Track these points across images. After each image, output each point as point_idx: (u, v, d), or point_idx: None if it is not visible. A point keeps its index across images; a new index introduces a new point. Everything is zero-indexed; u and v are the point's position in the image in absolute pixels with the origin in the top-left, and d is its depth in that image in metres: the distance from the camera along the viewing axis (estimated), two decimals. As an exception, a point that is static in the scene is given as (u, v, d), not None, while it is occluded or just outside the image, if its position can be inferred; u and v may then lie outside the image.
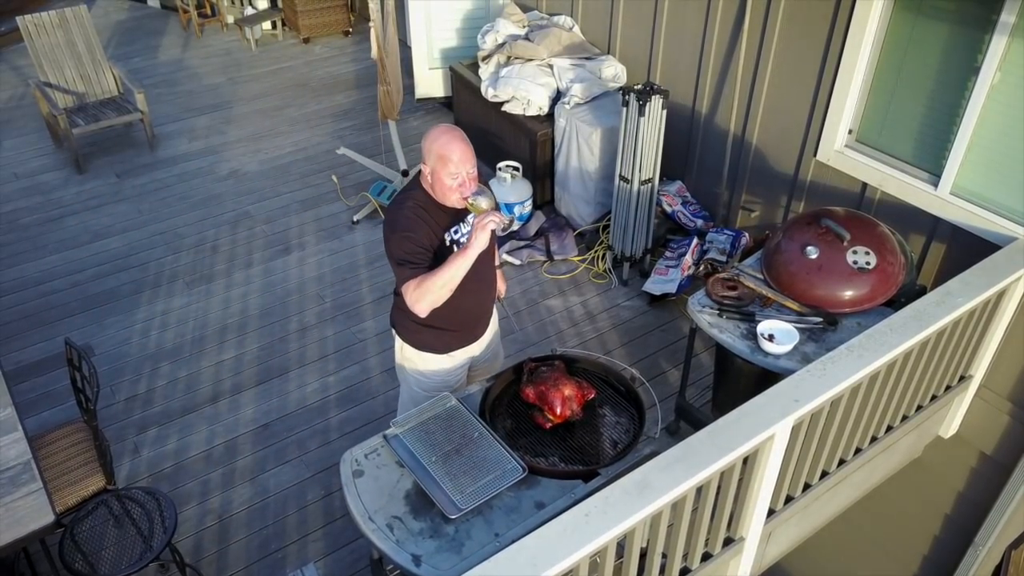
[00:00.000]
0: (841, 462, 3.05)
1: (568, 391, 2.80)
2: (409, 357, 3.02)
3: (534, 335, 4.50)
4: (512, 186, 5.09)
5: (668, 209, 4.89)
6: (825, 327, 3.25)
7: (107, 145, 6.21)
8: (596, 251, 5.04)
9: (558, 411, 2.78)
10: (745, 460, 2.49)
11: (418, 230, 2.65)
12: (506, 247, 5.02)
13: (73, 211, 5.48)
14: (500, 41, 5.47)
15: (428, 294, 2.59)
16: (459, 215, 2.74)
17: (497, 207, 2.67)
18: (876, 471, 3.40)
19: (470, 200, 2.63)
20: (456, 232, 2.75)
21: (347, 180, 5.80)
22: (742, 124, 4.52)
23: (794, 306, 3.32)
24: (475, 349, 3.05)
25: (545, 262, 5.03)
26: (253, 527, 3.51)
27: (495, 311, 3.14)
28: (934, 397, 3.37)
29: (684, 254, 4.59)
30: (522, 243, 5.06)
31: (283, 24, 8.05)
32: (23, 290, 4.80)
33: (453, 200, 2.65)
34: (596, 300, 4.76)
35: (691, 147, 4.93)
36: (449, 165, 2.58)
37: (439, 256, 2.69)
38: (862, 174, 3.97)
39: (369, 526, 2.48)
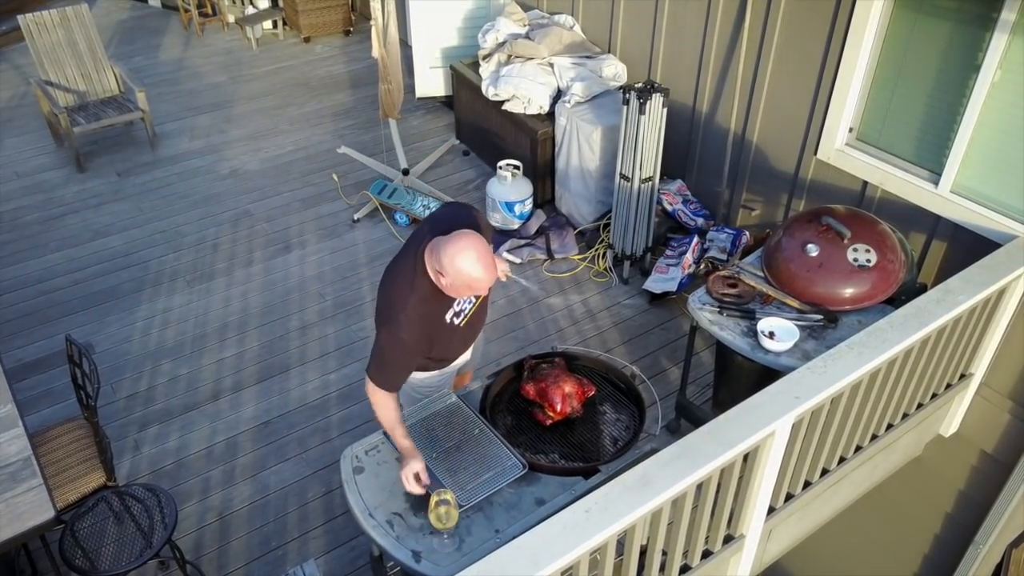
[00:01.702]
0: (841, 460, 3.05)
1: (568, 388, 2.81)
2: None
3: (535, 333, 4.50)
4: (513, 185, 5.09)
5: (669, 208, 4.89)
6: (825, 325, 3.25)
7: (108, 144, 6.22)
8: (597, 249, 5.04)
9: (558, 408, 2.78)
10: (745, 457, 2.49)
11: (415, 335, 2.58)
12: (507, 245, 5.02)
13: (74, 209, 5.49)
14: (501, 40, 5.47)
15: (375, 408, 2.65)
16: None
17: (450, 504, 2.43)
18: (877, 469, 3.40)
19: (435, 504, 2.39)
20: (458, 304, 2.71)
21: (348, 179, 5.80)
22: (743, 123, 4.52)
23: (794, 304, 3.32)
24: (463, 359, 3.04)
25: (545, 260, 5.03)
26: (254, 524, 3.52)
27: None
28: (934, 395, 3.37)
29: (685, 252, 4.59)
30: (523, 242, 5.07)
31: (284, 23, 8.05)
32: (24, 288, 4.80)
33: (464, 296, 2.62)
34: (597, 298, 4.77)
35: (692, 146, 4.93)
36: (475, 288, 2.51)
37: (438, 334, 2.67)
38: (863, 172, 3.97)
39: (369, 522, 2.48)
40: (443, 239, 2.48)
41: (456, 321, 2.74)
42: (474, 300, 2.78)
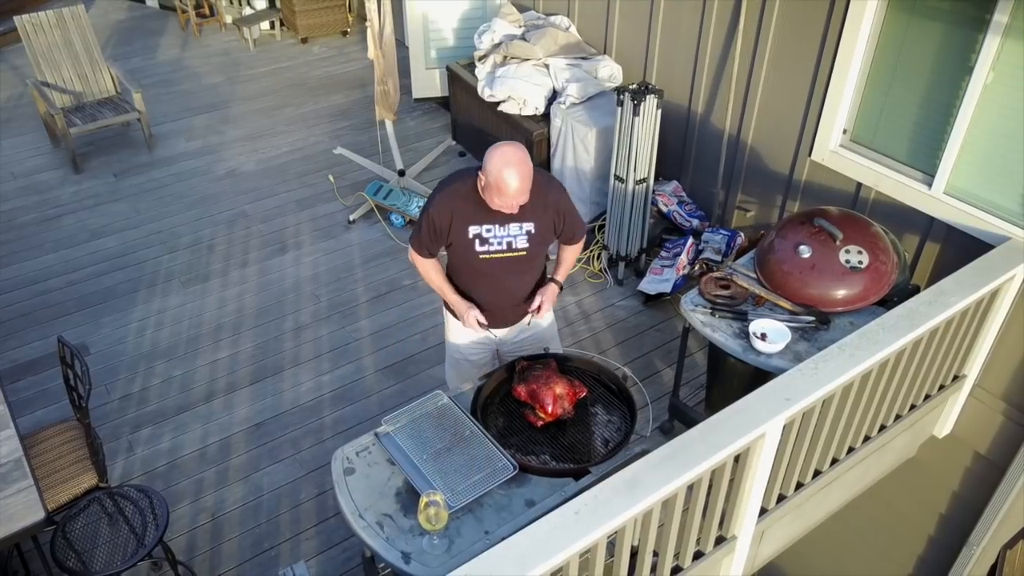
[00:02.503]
0: (834, 461, 3.04)
1: (560, 389, 2.80)
2: (444, 317, 3.18)
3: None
4: (508, 186, 5.09)
5: (664, 209, 4.89)
6: (817, 326, 3.25)
7: (104, 144, 6.22)
8: (592, 251, 5.04)
9: (549, 409, 2.78)
10: (736, 459, 2.49)
11: (441, 218, 2.78)
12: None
13: (70, 210, 5.49)
14: (497, 41, 5.48)
15: (418, 269, 3.03)
16: (495, 216, 2.76)
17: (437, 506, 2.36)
18: (870, 470, 3.40)
19: (424, 505, 2.33)
20: (488, 231, 2.80)
21: (344, 180, 5.80)
22: (737, 124, 4.52)
23: (786, 305, 3.32)
24: (497, 333, 3.08)
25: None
26: (246, 525, 3.52)
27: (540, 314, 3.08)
28: (927, 396, 3.37)
29: (679, 254, 4.59)
30: (518, 243, 5.06)
31: (281, 24, 8.06)
32: (20, 288, 4.80)
33: (495, 207, 2.69)
34: (591, 299, 4.76)
35: (687, 147, 4.93)
36: (502, 196, 2.62)
37: (458, 241, 2.81)
38: (857, 174, 3.97)
39: (359, 523, 2.48)
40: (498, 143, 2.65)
41: (478, 248, 2.81)
42: (504, 245, 2.81)
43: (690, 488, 2.39)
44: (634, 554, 2.41)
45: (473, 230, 2.79)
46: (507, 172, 2.57)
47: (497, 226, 2.80)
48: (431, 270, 2.99)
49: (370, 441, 2.73)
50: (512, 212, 2.71)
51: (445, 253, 2.98)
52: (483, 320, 2.94)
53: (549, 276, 3.09)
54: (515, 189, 2.59)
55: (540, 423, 2.80)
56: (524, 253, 2.86)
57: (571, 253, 3.10)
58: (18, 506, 2.60)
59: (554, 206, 2.84)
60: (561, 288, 3.07)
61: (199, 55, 7.71)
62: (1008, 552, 3.70)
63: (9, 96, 6.93)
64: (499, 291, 2.99)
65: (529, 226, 2.81)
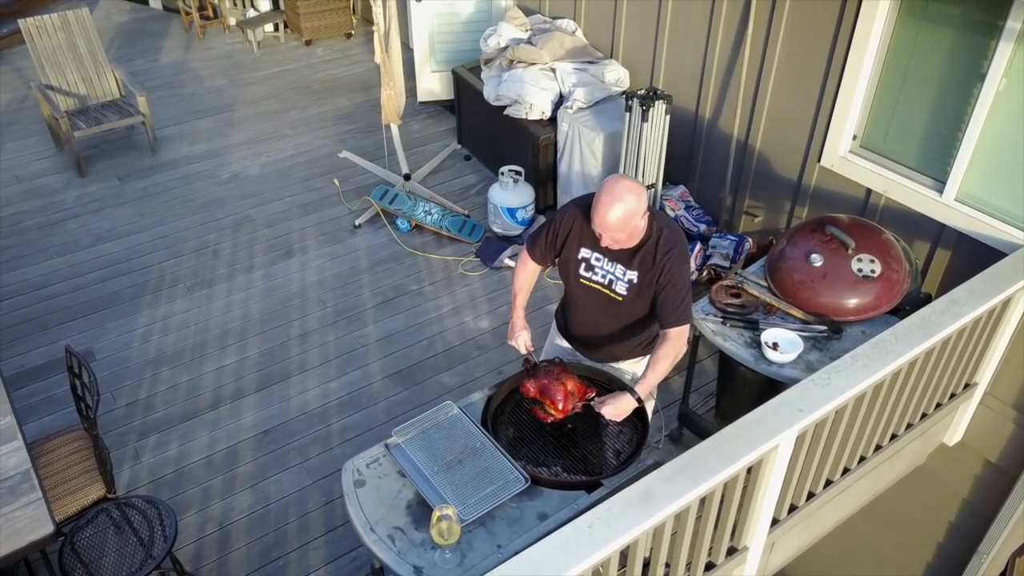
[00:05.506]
0: (845, 471, 3.03)
1: (571, 386, 2.77)
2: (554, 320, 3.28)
3: (537, 339, 4.45)
4: (514, 190, 5.07)
5: (671, 214, 4.87)
6: (829, 335, 3.23)
7: (108, 148, 6.20)
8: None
9: (560, 405, 2.72)
10: (749, 470, 2.47)
11: (564, 226, 2.85)
12: (508, 251, 5.00)
13: (74, 214, 5.47)
14: (503, 45, 5.46)
15: (515, 271, 3.08)
16: (608, 249, 2.74)
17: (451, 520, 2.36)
18: (880, 479, 3.38)
19: (436, 519, 2.34)
20: (596, 260, 2.81)
21: (349, 184, 5.78)
22: (746, 129, 4.50)
23: (798, 314, 3.30)
24: (578, 353, 3.14)
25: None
26: (254, 534, 3.50)
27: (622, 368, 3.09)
28: (939, 405, 3.35)
29: (687, 259, 4.56)
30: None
31: (285, 26, 8.03)
32: (24, 294, 4.79)
33: (593, 227, 2.70)
34: (598, 305, 4.74)
35: (694, 152, 4.91)
36: (593, 220, 2.64)
37: (567, 256, 2.88)
38: (866, 180, 3.95)
39: (371, 537, 2.46)
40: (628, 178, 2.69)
41: (582, 271, 2.85)
42: (605, 280, 2.81)
43: (703, 500, 2.37)
44: (646, 565, 2.39)
45: (584, 252, 2.82)
46: (605, 200, 2.57)
47: (607, 260, 2.79)
48: (522, 277, 3.03)
49: (380, 452, 2.72)
50: (606, 245, 2.70)
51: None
52: (530, 346, 2.98)
53: (633, 381, 2.82)
54: (602, 219, 2.59)
55: (550, 419, 2.76)
56: (620, 299, 2.82)
57: (663, 353, 2.72)
58: (27, 519, 2.58)
59: (660, 269, 2.71)
60: (639, 402, 2.74)
61: (203, 58, 7.69)
62: (1018, 560, 3.68)
63: (12, 99, 6.92)
64: (589, 323, 3.02)
65: (633, 275, 2.76)
